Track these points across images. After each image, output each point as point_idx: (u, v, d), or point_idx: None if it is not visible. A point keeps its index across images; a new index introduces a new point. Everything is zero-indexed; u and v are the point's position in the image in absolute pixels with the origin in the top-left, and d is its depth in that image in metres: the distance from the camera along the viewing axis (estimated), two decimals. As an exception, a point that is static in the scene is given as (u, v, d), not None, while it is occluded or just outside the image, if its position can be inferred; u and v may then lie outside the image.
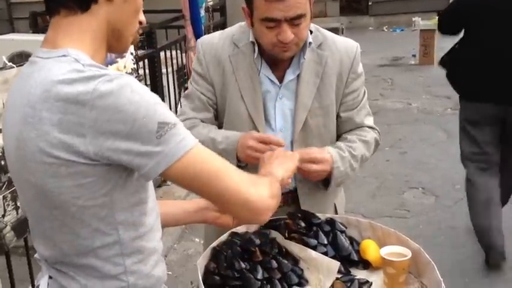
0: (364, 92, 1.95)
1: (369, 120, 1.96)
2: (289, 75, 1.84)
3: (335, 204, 2.01)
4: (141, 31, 1.37)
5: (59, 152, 1.10)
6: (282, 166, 1.50)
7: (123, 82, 1.09)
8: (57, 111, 1.09)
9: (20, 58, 4.41)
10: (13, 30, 8.98)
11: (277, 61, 1.81)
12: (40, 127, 1.11)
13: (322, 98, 1.84)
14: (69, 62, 1.13)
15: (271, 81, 1.84)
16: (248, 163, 1.76)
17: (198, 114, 1.89)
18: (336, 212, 2.01)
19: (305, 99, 1.83)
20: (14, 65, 2.54)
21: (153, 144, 1.09)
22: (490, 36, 3.37)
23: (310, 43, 1.82)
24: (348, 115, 1.90)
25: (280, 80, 1.85)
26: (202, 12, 5.34)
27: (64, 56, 1.14)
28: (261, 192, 1.25)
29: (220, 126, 1.91)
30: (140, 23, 1.29)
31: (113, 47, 1.26)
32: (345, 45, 1.90)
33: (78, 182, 1.12)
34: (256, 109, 1.84)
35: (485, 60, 3.40)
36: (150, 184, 1.27)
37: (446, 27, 3.83)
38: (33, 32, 6.75)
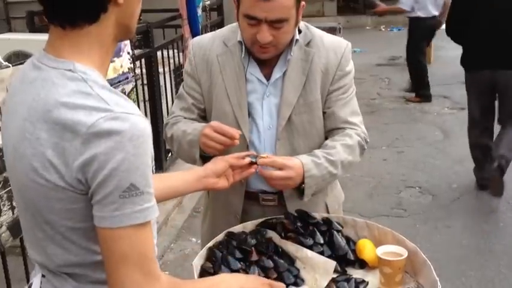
0: (353, 90, 1.92)
1: (355, 118, 1.90)
2: (277, 73, 1.84)
3: (326, 204, 1.99)
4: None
5: (50, 175, 1.08)
6: None
7: (125, 126, 1.05)
8: (54, 134, 1.06)
9: (17, 57, 4.40)
10: (10, 29, 8.96)
11: (265, 59, 1.81)
12: (36, 146, 1.08)
13: (307, 95, 1.84)
14: (75, 80, 1.09)
15: (259, 79, 1.85)
16: (206, 152, 1.77)
17: (185, 114, 1.93)
18: (328, 212, 1.98)
19: (290, 96, 1.83)
20: (10, 65, 2.53)
21: (111, 200, 1.06)
22: (486, 13, 4.22)
23: (297, 40, 1.82)
24: (331, 110, 1.87)
25: (268, 77, 1.85)
26: (200, 11, 5.34)
27: (70, 71, 1.10)
28: None
29: None
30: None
31: (122, 39, 1.23)
32: (333, 43, 1.89)
33: (67, 207, 1.11)
34: (240, 108, 1.84)
35: (482, 34, 4.27)
36: None
37: (454, 26, 4.54)
38: (30, 32, 6.74)
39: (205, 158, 1.79)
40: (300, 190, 1.78)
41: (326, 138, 1.91)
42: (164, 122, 1.99)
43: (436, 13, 6.97)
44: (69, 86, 1.08)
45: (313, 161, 1.75)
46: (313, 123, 1.87)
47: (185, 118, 1.92)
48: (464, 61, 4.55)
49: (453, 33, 4.55)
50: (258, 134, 1.87)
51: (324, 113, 1.88)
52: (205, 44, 1.91)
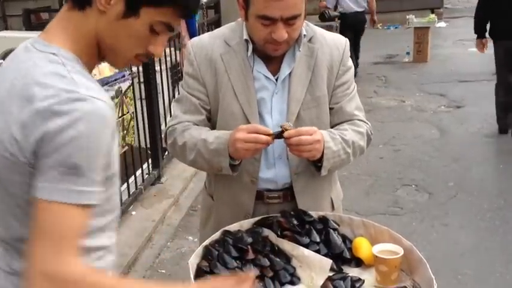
0: (355, 86, 1.96)
1: (360, 113, 1.95)
2: (285, 69, 1.84)
3: (331, 198, 2.02)
4: (145, 59, 1.31)
5: (14, 149, 1.11)
6: None
7: (85, 108, 1.08)
8: (22, 110, 1.10)
9: (13, 55, 4.39)
10: (6, 27, 8.94)
11: (272, 56, 1.81)
12: (7, 120, 1.12)
13: (314, 90, 1.85)
14: (55, 63, 1.14)
15: (267, 77, 1.84)
16: (240, 158, 1.76)
17: (191, 117, 1.87)
18: (333, 206, 2.01)
19: (298, 92, 1.83)
20: (6, 63, 2.52)
21: (50, 173, 1.08)
22: None
23: (304, 35, 1.82)
24: (339, 106, 1.90)
25: (275, 73, 1.85)
26: (196, 9, 5.33)
27: (54, 54, 1.15)
28: (64, 270, 1.09)
29: (214, 126, 1.90)
30: (149, 54, 1.25)
31: (105, 58, 1.26)
32: (334, 39, 1.92)
33: (26, 181, 1.13)
34: (250, 107, 1.83)
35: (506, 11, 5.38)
36: (113, 184, 1.26)
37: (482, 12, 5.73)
38: (27, 29, 6.74)
39: (233, 166, 1.78)
40: (316, 166, 1.81)
41: None
42: (167, 126, 1.93)
43: (359, 9, 8.33)
44: (47, 68, 1.13)
45: (330, 135, 1.80)
46: (321, 119, 1.87)
47: (192, 123, 1.87)
48: (492, 33, 5.70)
49: (483, 12, 5.65)
50: None
51: (331, 108, 1.90)
52: (205, 43, 1.88)
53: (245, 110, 1.83)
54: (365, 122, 1.95)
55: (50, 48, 1.17)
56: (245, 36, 1.81)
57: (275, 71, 1.85)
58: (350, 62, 1.93)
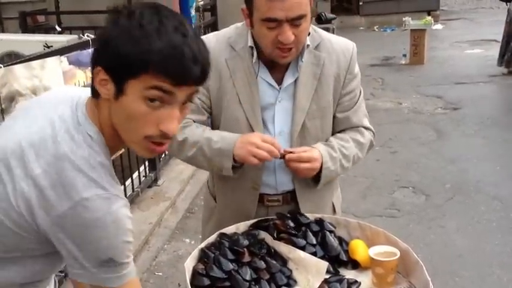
0: (360, 92, 1.94)
1: (366, 121, 1.95)
2: (289, 79, 1.82)
3: (333, 203, 2.03)
4: (160, 140, 1.21)
5: (19, 203, 1.14)
6: None
7: (113, 209, 1.16)
8: (48, 178, 1.13)
9: (9, 58, 4.38)
10: (2, 30, 8.92)
11: (276, 64, 1.79)
12: (26, 173, 1.14)
13: (320, 100, 1.83)
14: (91, 149, 1.19)
15: (270, 85, 1.82)
16: (245, 162, 1.75)
17: (192, 115, 1.85)
18: (334, 210, 2.03)
19: (303, 101, 1.82)
20: (1, 65, 2.51)
21: (93, 264, 1.18)
22: None
23: (308, 45, 1.81)
24: (345, 115, 1.89)
25: (279, 82, 1.83)
26: (193, 12, 5.35)
27: (91, 137, 1.20)
28: None
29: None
30: (162, 133, 1.18)
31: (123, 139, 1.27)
32: (341, 45, 1.89)
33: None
34: (254, 114, 1.82)
35: None
36: None
37: None
38: (23, 32, 6.72)
39: (235, 168, 1.78)
40: (314, 179, 1.84)
41: None
42: None
43: None
44: (83, 151, 1.17)
45: (330, 153, 1.81)
46: (324, 129, 1.88)
47: (193, 120, 1.85)
48: None
49: None
50: None
51: (335, 116, 1.90)
52: (211, 46, 1.84)
53: (249, 117, 1.82)
54: (370, 129, 1.95)
55: (89, 127, 1.21)
56: (249, 43, 1.79)
57: (279, 80, 1.83)
58: (357, 68, 1.91)
